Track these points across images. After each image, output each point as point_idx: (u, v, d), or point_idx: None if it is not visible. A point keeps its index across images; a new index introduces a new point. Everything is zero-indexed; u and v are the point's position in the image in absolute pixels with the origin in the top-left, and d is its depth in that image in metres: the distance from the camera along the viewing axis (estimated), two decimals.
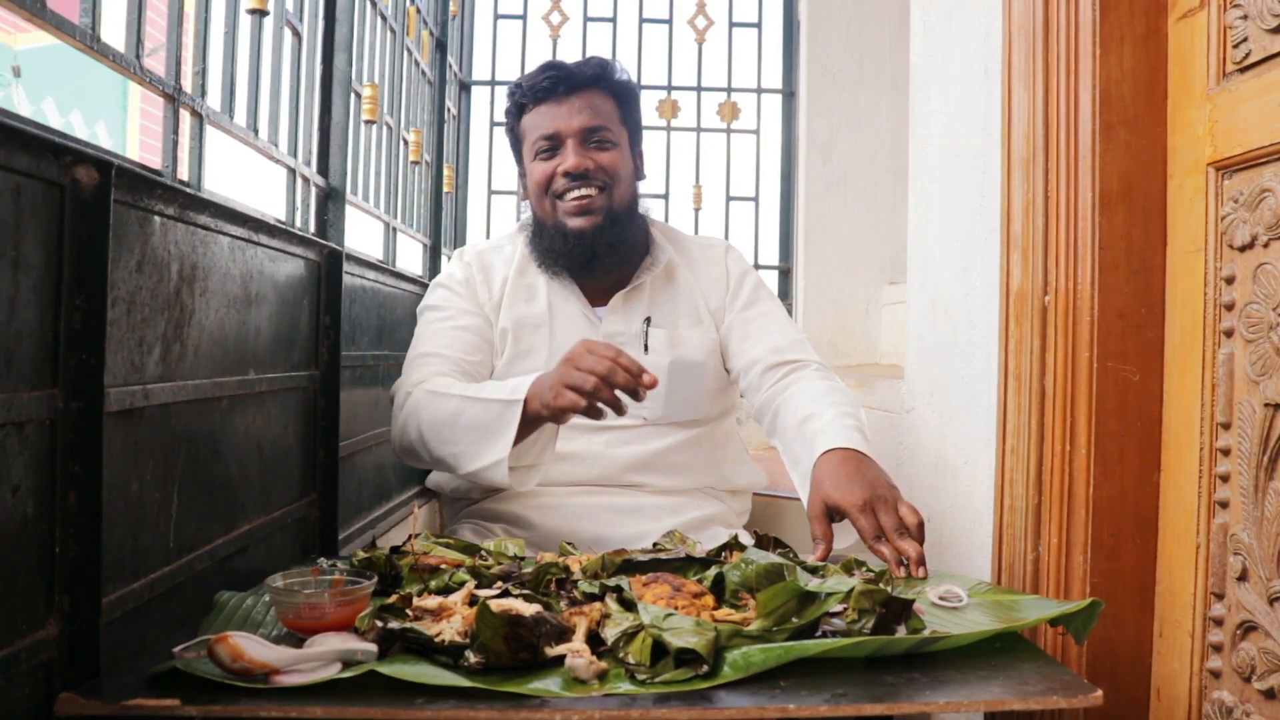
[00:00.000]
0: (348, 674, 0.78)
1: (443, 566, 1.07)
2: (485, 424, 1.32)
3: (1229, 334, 0.97)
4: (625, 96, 1.59)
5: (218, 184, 1.27)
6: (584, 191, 1.50)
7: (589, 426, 1.52)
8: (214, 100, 1.26)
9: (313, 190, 1.61)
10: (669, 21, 3.20)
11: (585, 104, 1.53)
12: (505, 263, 1.61)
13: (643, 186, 1.66)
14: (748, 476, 1.67)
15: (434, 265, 2.61)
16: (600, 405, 1.21)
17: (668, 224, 1.74)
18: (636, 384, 1.19)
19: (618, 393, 1.21)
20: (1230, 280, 0.97)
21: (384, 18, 2.02)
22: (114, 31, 1.01)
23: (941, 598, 1.00)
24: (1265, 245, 0.92)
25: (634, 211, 1.58)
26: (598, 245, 1.51)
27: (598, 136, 1.52)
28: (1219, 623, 0.98)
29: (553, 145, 1.52)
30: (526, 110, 1.56)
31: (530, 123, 1.56)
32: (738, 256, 1.69)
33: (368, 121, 1.86)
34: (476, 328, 1.55)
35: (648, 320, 1.56)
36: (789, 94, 3.26)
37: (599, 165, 1.51)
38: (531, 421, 1.31)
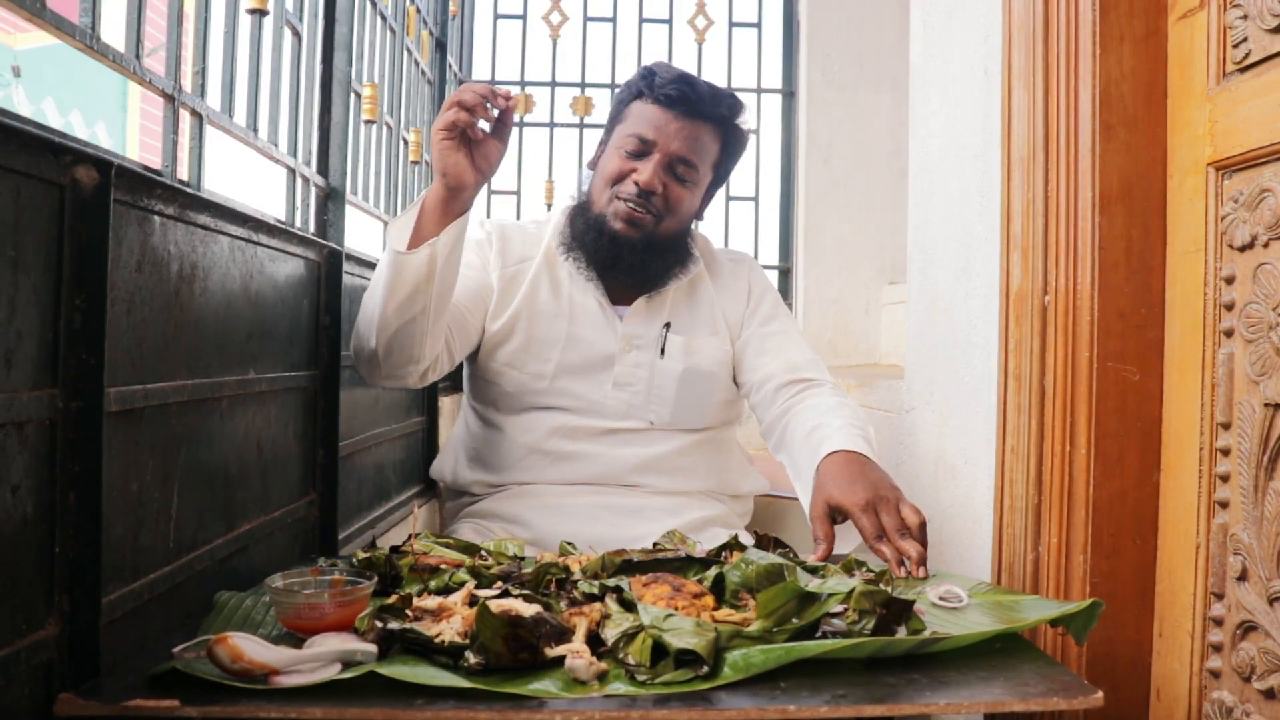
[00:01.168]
0: (347, 675, 0.78)
1: (443, 566, 1.07)
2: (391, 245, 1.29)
3: (1229, 334, 0.97)
4: (732, 145, 1.57)
5: (218, 184, 1.27)
6: (638, 207, 1.49)
7: (593, 429, 1.52)
8: (214, 100, 1.26)
9: (313, 190, 1.61)
10: (669, 21, 3.20)
11: (692, 133, 1.50)
12: (527, 244, 1.60)
13: None
14: (749, 484, 1.68)
15: None
16: (470, 112, 1.23)
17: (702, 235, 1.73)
18: (492, 95, 1.24)
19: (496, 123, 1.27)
20: (1230, 280, 0.97)
21: (384, 18, 2.02)
22: (114, 31, 1.01)
23: (942, 598, 1.00)
24: (1265, 245, 0.92)
25: (673, 245, 1.56)
26: (621, 257, 1.50)
27: (683, 170, 1.50)
28: (1219, 623, 0.98)
29: (642, 150, 1.50)
30: (642, 98, 1.53)
31: (637, 112, 1.52)
32: (761, 273, 1.69)
33: (368, 121, 1.86)
34: (475, 277, 1.53)
35: (667, 325, 1.56)
36: (789, 94, 3.26)
37: (666, 195, 1.50)
38: (431, 208, 1.28)
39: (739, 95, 1.58)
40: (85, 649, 0.77)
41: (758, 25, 3.28)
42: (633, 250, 1.50)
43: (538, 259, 1.58)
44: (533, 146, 3.20)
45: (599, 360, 1.53)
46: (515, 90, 1.24)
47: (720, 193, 3.18)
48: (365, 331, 1.35)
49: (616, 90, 1.62)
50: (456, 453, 1.66)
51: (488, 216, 3.17)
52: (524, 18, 3.18)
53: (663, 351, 1.54)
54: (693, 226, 1.63)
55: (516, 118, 3.17)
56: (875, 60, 3.10)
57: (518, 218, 3.16)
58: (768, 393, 1.53)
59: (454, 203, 1.27)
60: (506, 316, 1.54)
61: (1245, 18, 0.95)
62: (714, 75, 3.22)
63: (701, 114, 1.51)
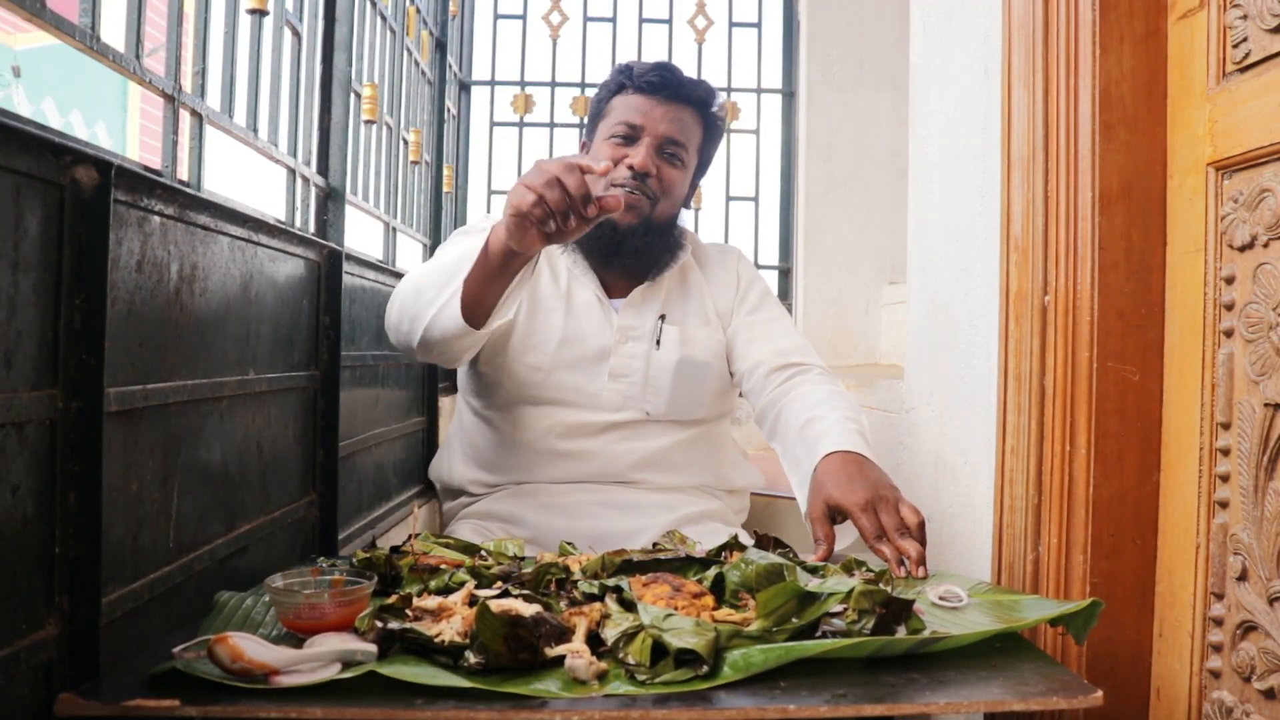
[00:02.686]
0: (347, 674, 0.78)
1: (443, 566, 1.07)
2: (451, 266, 1.28)
3: (1229, 334, 0.97)
4: (713, 131, 1.60)
5: (218, 184, 1.27)
6: (635, 190, 1.50)
7: (590, 424, 1.53)
8: (214, 100, 1.26)
9: (313, 190, 1.61)
10: (669, 21, 3.20)
11: (677, 116, 1.53)
12: None
13: None
14: (745, 477, 1.68)
15: None
16: (549, 212, 1.11)
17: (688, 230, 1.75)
18: (586, 191, 1.10)
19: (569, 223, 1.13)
20: (1230, 280, 0.97)
21: (384, 18, 2.02)
22: (114, 31, 1.01)
23: (941, 598, 1.00)
24: (1265, 245, 0.92)
25: (668, 229, 1.58)
26: (624, 245, 1.52)
27: (672, 150, 1.53)
28: (1219, 623, 0.98)
29: (630, 136, 1.52)
30: (624, 91, 1.56)
31: (621, 104, 1.55)
32: (748, 264, 1.71)
33: (368, 121, 1.86)
34: None
35: (662, 316, 1.57)
36: (789, 94, 3.26)
37: (660, 176, 1.52)
38: (495, 256, 1.21)
39: (713, 86, 1.60)
40: (85, 649, 0.77)
41: (758, 25, 3.28)
42: (633, 236, 1.51)
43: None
44: (532, 146, 3.21)
45: (595, 352, 1.54)
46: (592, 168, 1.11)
47: (720, 193, 3.23)
48: (406, 325, 1.36)
49: (594, 90, 1.63)
50: (453, 452, 1.66)
51: (488, 214, 3.18)
52: (524, 18, 3.18)
53: (658, 343, 1.55)
54: (680, 214, 1.65)
55: (516, 116, 3.18)
56: (875, 60, 3.10)
57: None
58: (758, 379, 1.55)
59: (516, 260, 1.22)
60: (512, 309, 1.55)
61: (1245, 18, 0.95)
62: (714, 75, 3.24)
63: (683, 97, 1.54)
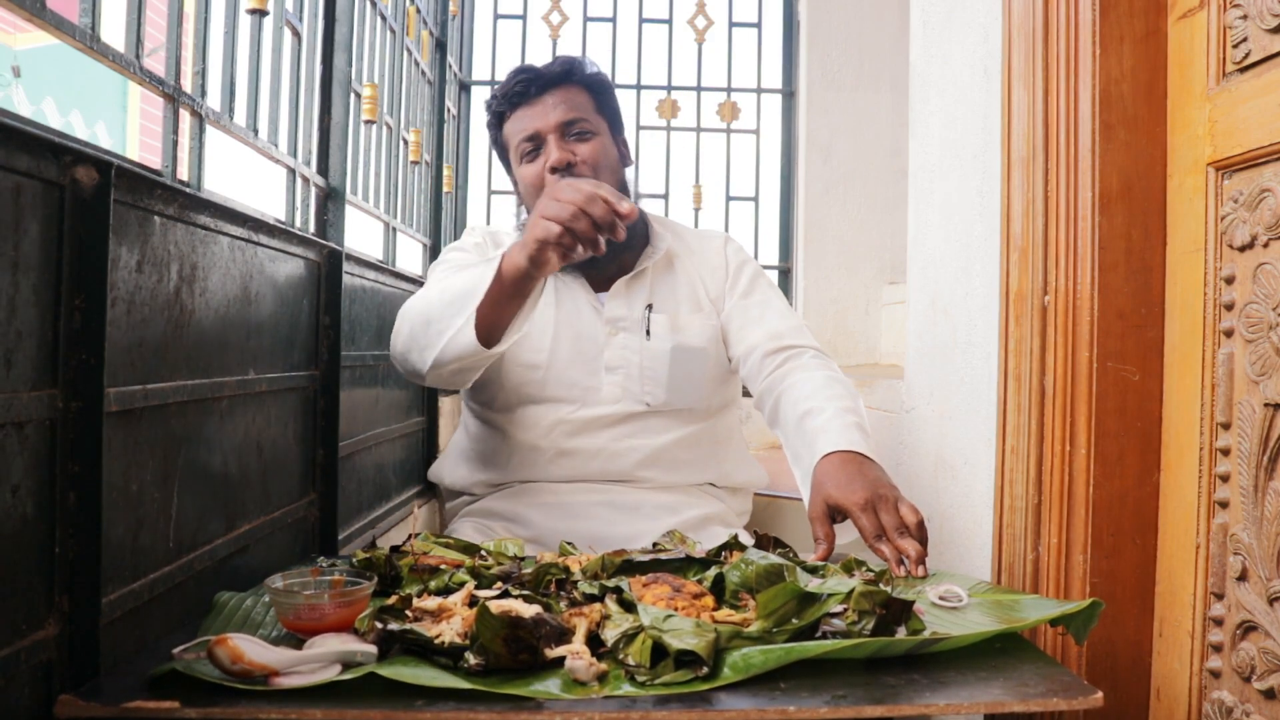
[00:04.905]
0: (347, 676, 0.78)
1: (443, 567, 1.06)
2: (462, 291, 1.29)
3: (1229, 334, 0.97)
4: (598, 88, 1.60)
5: (218, 184, 1.27)
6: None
7: (593, 421, 1.53)
8: (214, 100, 1.26)
9: (313, 190, 1.61)
10: (669, 21, 3.20)
11: (558, 100, 1.54)
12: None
13: (644, 186, 1.67)
14: (748, 474, 1.68)
15: None
16: (577, 239, 1.15)
17: (665, 217, 1.74)
18: (614, 214, 1.14)
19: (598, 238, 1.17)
20: (1230, 280, 0.97)
21: (384, 18, 2.02)
22: (114, 31, 1.01)
23: (941, 598, 1.00)
24: (1265, 245, 0.92)
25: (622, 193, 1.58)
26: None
27: (576, 128, 1.53)
28: (1219, 623, 0.98)
29: (535, 145, 1.54)
30: (506, 118, 1.58)
31: (511, 128, 1.57)
32: (736, 247, 1.70)
33: (368, 121, 1.86)
34: None
35: (649, 306, 1.57)
36: (789, 94, 3.26)
37: (582, 158, 1.52)
38: (509, 281, 1.25)
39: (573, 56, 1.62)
40: (85, 649, 0.77)
41: (758, 25, 3.28)
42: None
43: None
44: None
45: (589, 347, 1.55)
46: (627, 205, 1.18)
47: (720, 193, 3.23)
48: (415, 355, 1.37)
49: (487, 133, 1.67)
50: (455, 456, 1.66)
51: (487, 216, 3.18)
52: (524, 18, 3.18)
53: (648, 332, 1.55)
54: (634, 181, 1.65)
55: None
56: (875, 60, 3.10)
57: (517, 217, 3.16)
58: (754, 363, 1.55)
59: (531, 282, 1.26)
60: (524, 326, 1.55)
61: (1245, 18, 0.95)
62: (714, 75, 3.24)
63: (549, 83, 1.55)
